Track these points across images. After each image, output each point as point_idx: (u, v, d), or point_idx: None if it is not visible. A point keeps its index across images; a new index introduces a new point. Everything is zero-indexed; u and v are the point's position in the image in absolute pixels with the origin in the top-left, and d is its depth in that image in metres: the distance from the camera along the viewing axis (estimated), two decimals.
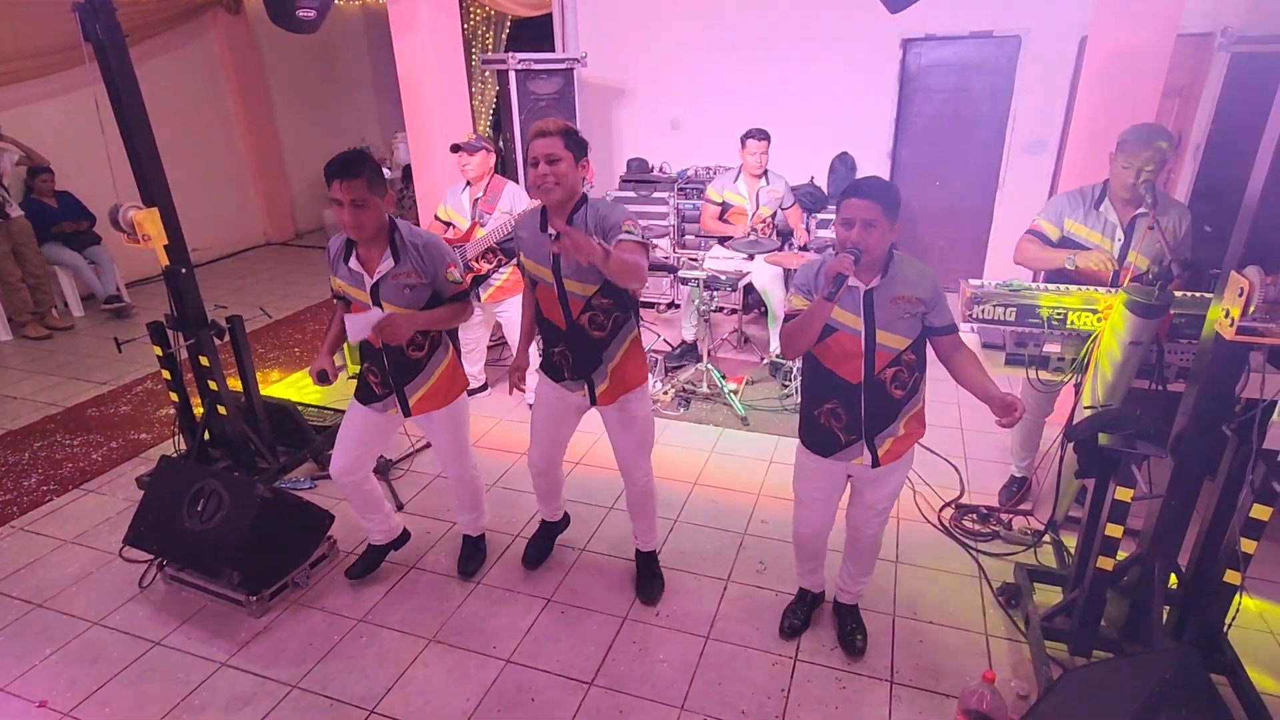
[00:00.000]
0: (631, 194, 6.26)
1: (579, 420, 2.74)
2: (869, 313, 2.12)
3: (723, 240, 4.82)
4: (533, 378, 2.85)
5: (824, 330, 2.12)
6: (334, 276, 2.57)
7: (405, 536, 3.09)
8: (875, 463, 2.27)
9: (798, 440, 2.42)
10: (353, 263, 2.49)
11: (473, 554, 3.07)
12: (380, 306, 2.47)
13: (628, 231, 2.25)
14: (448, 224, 4.09)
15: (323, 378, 2.65)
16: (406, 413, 2.66)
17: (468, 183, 4.00)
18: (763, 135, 4.58)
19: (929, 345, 2.23)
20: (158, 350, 3.33)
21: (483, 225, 3.97)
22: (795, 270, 2.41)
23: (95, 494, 3.68)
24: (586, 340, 2.43)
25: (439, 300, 2.55)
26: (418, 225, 2.79)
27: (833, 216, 2.63)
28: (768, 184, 4.70)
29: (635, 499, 2.81)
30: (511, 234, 3.93)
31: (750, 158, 4.61)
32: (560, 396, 2.61)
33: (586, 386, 2.52)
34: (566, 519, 3.16)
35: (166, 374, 3.40)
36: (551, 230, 2.26)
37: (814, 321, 2.07)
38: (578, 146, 2.28)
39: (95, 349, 5.59)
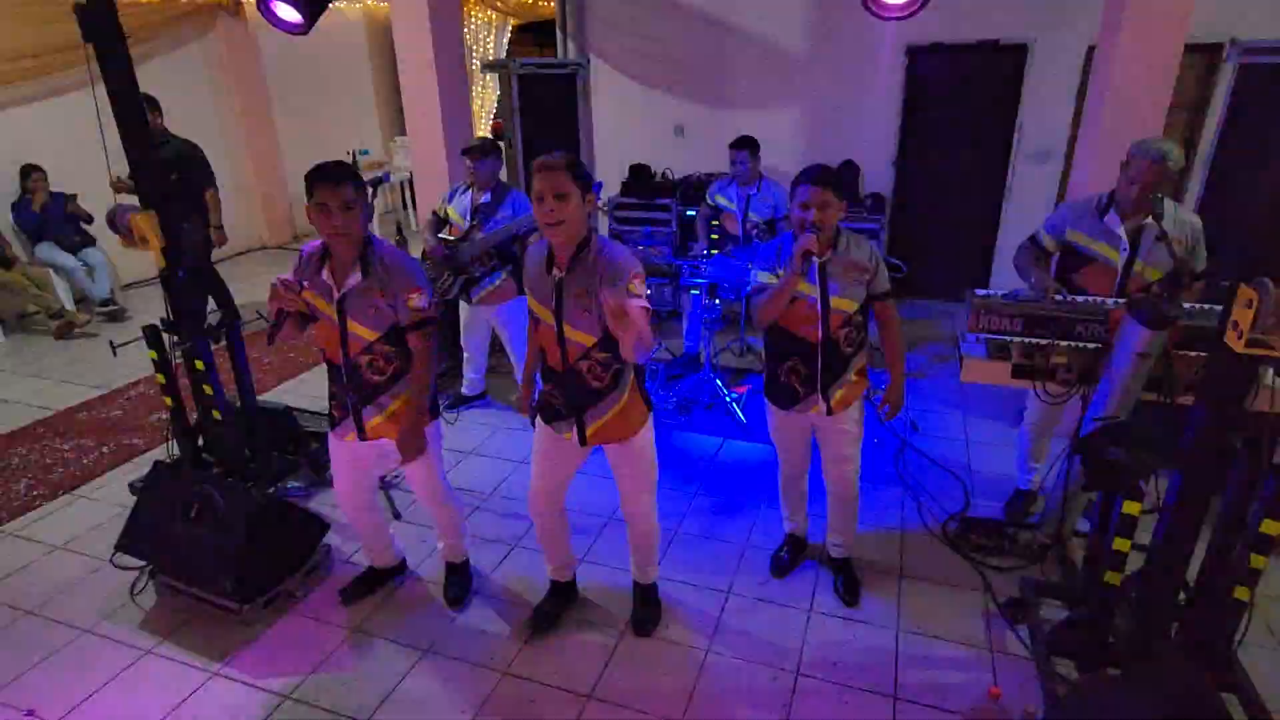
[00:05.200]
0: (634, 200, 6.24)
1: (581, 462, 2.58)
2: (824, 282, 2.48)
3: (724, 247, 4.78)
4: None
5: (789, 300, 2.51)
6: (305, 286, 2.41)
7: (404, 566, 3.05)
8: (829, 411, 2.63)
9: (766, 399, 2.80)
10: (325, 273, 2.40)
11: (456, 581, 2.96)
12: (345, 323, 2.40)
13: (637, 295, 2.12)
14: (445, 222, 4.06)
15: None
16: (363, 436, 2.55)
17: (470, 185, 3.98)
18: (743, 144, 4.48)
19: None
20: (153, 354, 3.29)
21: (482, 229, 3.94)
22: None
23: (86, 499, 3.64)
24: (583, 387, 2.34)
25: (400, 329, 2.43)
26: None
27: None
28: (759, 192, 4.64)
29: (636, 539, 2.68)
30: (508, 236, 3.92)
31: (732, 166, 4.57)
32: (554, 437, 2.49)
33: (576, 428, 2.40)
34: (575, 587, 2.90)
35: (161, 378, 3.36)
36: (556, 272, 2.22)
37: (784, 294, 2.44)
38: (585, 180, 2.17)
39: (88, 352, 5.54)
